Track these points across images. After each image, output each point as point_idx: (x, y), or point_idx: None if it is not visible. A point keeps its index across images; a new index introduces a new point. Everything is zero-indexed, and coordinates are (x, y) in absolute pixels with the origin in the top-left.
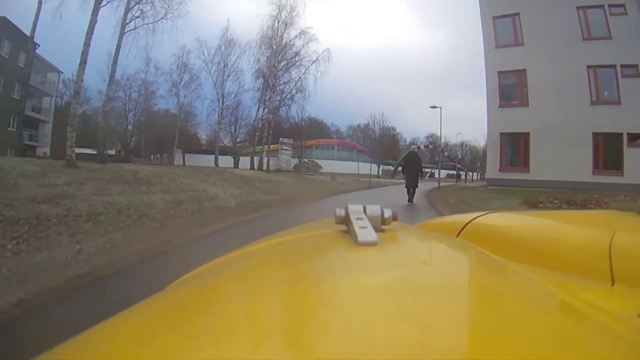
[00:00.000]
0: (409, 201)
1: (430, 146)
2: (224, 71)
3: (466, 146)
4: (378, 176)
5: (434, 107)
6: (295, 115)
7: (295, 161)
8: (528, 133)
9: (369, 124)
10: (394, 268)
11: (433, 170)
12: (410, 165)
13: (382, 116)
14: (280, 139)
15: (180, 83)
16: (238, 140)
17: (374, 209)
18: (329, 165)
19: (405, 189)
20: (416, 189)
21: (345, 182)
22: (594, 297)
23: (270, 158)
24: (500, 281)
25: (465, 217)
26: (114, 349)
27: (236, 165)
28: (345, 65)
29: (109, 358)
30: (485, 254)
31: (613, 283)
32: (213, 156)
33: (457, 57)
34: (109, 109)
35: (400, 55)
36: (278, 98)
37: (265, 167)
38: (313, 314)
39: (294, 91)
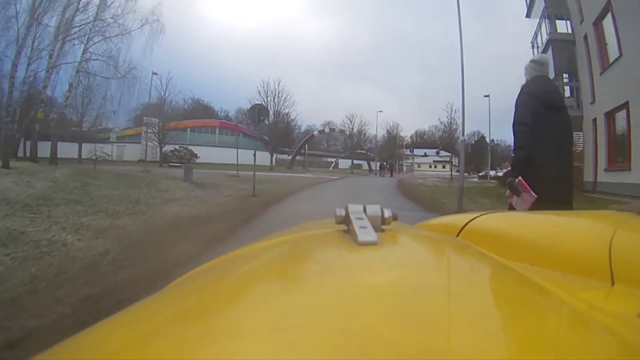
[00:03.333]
0: None
1: (353, 129)
2: None
3: (363, 133)
4: (271, 167)
5: None
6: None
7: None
8: None
9: (262, 103)
10: (394, 268)
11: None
12: (547, 124)
13: (279, 85)
14: (145, 118)
15: None
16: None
17: (374, 209)
18: (208, 154)
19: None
20: None
21: (210, 183)
22: (594, 297)
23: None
24: (500, 281)
25: (464, 217)
26: (112, 349)
27: (33, 158)
28: (233, 48)
29: (108, 358)
30: (485, 254)
31: (613, 283)
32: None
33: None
34: None
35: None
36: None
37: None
38: (313, 314)
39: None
